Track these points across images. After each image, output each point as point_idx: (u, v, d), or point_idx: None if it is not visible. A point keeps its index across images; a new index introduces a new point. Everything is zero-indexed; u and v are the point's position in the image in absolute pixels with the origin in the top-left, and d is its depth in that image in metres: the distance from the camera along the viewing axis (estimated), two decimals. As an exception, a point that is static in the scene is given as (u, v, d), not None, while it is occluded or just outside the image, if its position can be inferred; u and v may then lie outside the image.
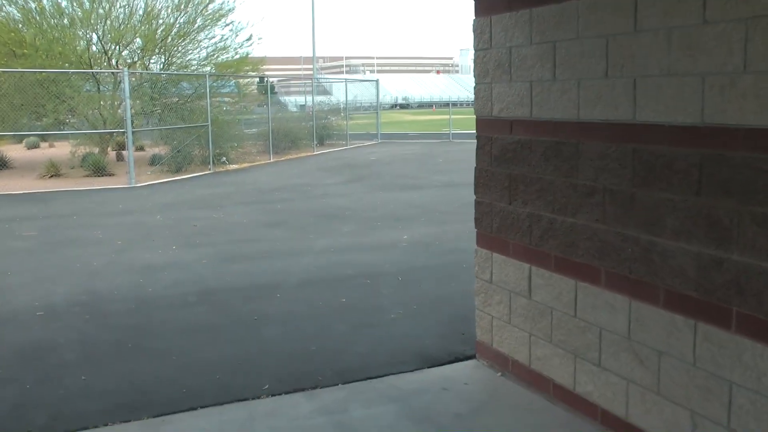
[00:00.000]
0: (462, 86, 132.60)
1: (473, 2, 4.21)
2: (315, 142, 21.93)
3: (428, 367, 4.48)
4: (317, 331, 5.16)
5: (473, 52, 4.26)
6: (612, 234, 3.38)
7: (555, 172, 3.73)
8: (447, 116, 32.13)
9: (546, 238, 3.84)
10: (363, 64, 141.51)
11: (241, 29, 20.34)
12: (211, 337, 5.10)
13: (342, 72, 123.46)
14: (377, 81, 28.32)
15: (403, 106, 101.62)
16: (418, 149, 23.27)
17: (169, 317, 5.58)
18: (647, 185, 3.17)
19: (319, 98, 29.42)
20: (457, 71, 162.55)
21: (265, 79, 23.00)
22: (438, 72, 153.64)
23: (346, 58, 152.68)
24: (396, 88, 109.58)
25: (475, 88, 4.29)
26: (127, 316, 5.63)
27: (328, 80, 50.42)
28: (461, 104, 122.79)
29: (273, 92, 24.80)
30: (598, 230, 3.47)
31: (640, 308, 3.27)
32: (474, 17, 4.23)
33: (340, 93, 31.04)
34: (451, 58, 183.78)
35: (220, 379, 4.30)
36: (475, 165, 4.37)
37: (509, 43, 3.96)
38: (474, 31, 4.24)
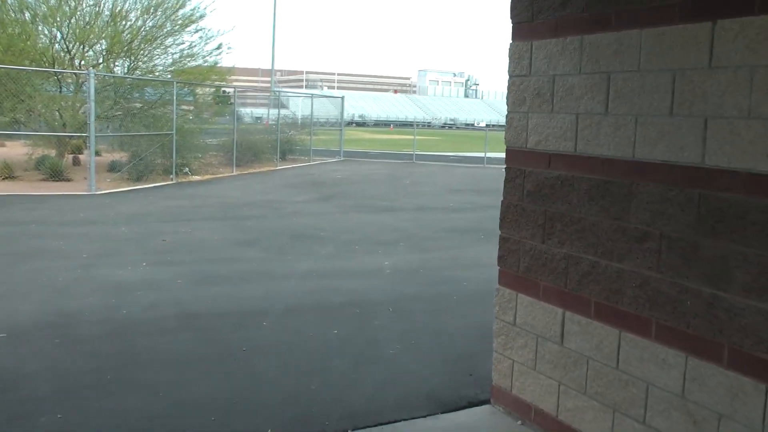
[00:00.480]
0: (419, 106, 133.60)
1: (511, 26, 3.95)
2: (278, 157, 21.48)
3: (441, 413, 4.16)
4: (315, 367, 4.80)
5: (508, 78, 3.99)
6: (667, 284, 3.12)
7: (601, 213, 3.46)
8: (406, 136, 32.02)
9: (586, 283, 3.57)
10: (321, 80, 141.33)
11: (212, 37, 19.80)
12: (199, 369, 4.68)
13: (301, 86, 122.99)
14: (342, 98, 28.06)
15: (359, 124, 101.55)
16: (382, 169, 23.02)
17: (150, 345, 5.13)
18: (715, 235, 2.92)
19: (281, 112, 28.96)
20: (414, 91, 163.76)
21: (233, 89, 22.44)
22: (395, 91, 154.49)
23: (307, 72, 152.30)
24: (353, 105, 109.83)
25: (507, 116, 4.02)
26: (104, 342, 5.16)
27: (295, 94, 49.95)
28: (419, 125, 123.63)
29: (229, 103, 24.31)
30: (650, 278, 3.21)
31: (698, 366, 3.01)
32: (511, 41, 3.97)
33: (297, 107, 30.67)
34: (408, 78, 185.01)
35: (216, 421, 3.90)
36: (502, 198, 4.08)
37: (553, 71, 3.70)
38: (511, 56, 3.97)
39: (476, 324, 5.77)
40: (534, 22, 3.80)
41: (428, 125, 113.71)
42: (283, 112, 30.30)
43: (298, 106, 28.53)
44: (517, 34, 3.93)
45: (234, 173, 18.62)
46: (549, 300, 3.82)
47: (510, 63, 3.97)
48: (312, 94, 28.70)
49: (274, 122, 26.91)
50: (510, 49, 3.98)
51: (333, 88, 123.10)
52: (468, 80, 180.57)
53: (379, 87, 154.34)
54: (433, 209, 13.84)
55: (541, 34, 3.77)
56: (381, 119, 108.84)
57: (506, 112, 4.03)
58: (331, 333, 5.55)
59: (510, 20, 3.97)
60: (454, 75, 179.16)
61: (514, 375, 4.07)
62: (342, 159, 26.39)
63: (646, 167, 3.22)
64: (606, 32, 3.40)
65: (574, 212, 3.61)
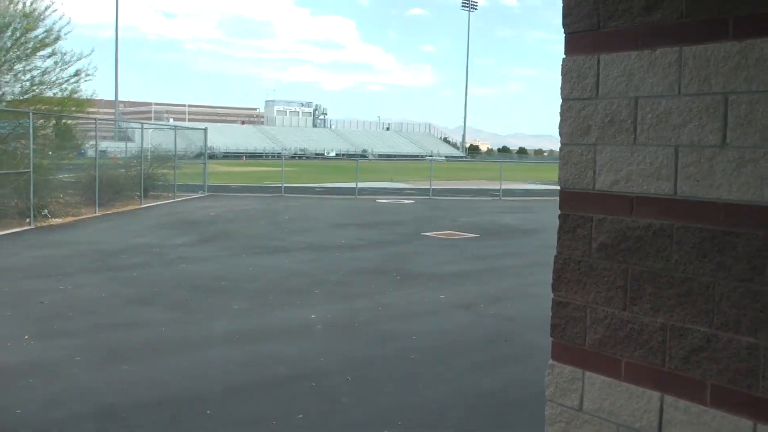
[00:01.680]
0: (268, 137, 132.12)
1: (564, 36, 3.15)
2: (142, 194, 19.65)
3: None
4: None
5: (561, 102, 3.18)
6: (832, 363, 2.40)
7: (719, 273, 2.71)
8: (262, 168, 31.15)
9: (697, 361, 2.79)
10: (167, 111, 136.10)
11: (69, 62, 17.65)
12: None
13: (149, 118, 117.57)
14: (206, 129, 26.51)
15: (209, 156, 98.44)
16: (255, 204, 21.77)
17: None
18: None
19: (130, 145, 26.96)
20: (262, 122, 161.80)
21: (95, 120, 20.35)
22: (243, 122, 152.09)
23: (155, 104, 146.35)
24: (201, 137, 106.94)
25: (562, 150, 3.20)
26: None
27: (157, 125, 47.04)
28: (268, 155, 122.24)
29: (71, 136, 22.14)
30: (803, 356, 2.48)
31: None
32: (566, 56, 3.16)
33: (153, 139, 28.82)
34: (255, 109, 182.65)
35: None
36: (557, 252, 3.24)
37: (635, 93, 2.93)
38: (566, 74, 3.17)
39: (459, 393, 4.91)
40: (602, 29, 3.02)
41: (278, 156, 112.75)
42: (135, 145, 28.25)
43: (148, 138, 26.53)
44: (574, 46, 3.14)
45: (97, 214, 16.70)
46: (637, 381, 3.01)
47: (565, 83, 3.17)
48: (175, 126, 26.92)
49: (122, 157, 24.94)
50: (564, 66, 3.17)
51: (183, 119, 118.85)
52: (316, 109, 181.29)
53: (227, 119, 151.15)
54: (327, 248, 12.92)
55: (613, 46, 3.00)
56: (230, 151, 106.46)
57: (561, 144, 3.21)
58: (295, 419, 4.48)
59: (563, 29, 3.17)
60: (302, 105, 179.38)
61: (578, 475, 3.21)
62: (207, 194, 24.80)
63: (793, 213, 2.50)
64: (721, 42, 2.67)
65: (675, 271, 2.83)
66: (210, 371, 5.33)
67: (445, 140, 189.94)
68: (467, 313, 8.01)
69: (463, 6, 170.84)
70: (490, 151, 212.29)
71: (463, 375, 3.64)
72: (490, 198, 30.66)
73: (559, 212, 3.24)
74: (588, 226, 3.13)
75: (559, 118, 3.23)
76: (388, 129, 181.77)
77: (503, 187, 31.27)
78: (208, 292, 8.21)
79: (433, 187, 30.81)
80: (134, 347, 5.86)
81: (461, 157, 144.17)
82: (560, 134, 3.21)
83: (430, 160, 55.12)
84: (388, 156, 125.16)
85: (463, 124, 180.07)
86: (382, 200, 26.10)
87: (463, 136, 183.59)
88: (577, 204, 3.19)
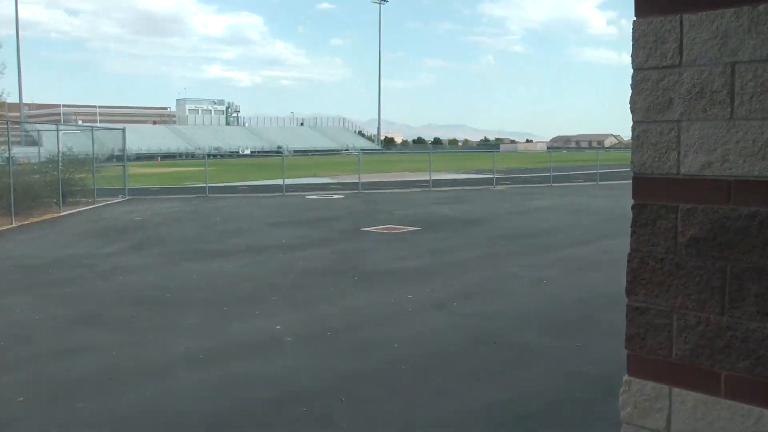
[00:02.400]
0: (180, 137, 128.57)
1: (634, -5, 2.67)
2: (61, 201, 18.33)
3: None
4: None
5: (632, 71, 2.70)
6: None
7: None
8: (178, 168, 30.06)
9: (822, 371, 2.36)
10: (76, 113, 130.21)
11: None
12: None
13: (58, 120, 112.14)
14: (123, 129, 25.14)
15: (120, 158, 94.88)
16: (181, 206, 20.74)
17: None
18: None
19: (32, 149, 25.36)
20: (174, 121, 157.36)
21: (6, 122, 18.82)
22: (155, 122, 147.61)
23: (64, 106, 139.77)
24: (113, 138, 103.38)
25: (636, 129, 2.73)
26: None
27: (75, 128, 44.49)
28: (181, 155, 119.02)
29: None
30: None
31: None
32: (637, 17, 2.68)
33: (59, 142, 27.20)
34: (167, 108, 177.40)
35: None
36: (631, 249, 2.77)
37: (731, 57, 2.47)
38: (638, 39, 2.69)
39: (471, 407, 4.42)
40: (685, -15, 2.55)
41: (192, 156, 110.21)
42: (46, 149, 26.56)
43: (60, 141, 24.98)
44: (650, 5, 2.65)
45: (14, 225, 15.39)
46: (742, 397, 2.56)
47: (637, 50, 2.69)
48: (92, 127, 25.40)
49: (35, 162, 23.38)
50: (636, 30, 2.69)
51: (94, 121, 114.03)
52: (228, 107, 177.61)
53: (138, 119, 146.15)
54: (269, 248, 12.26)
55: (701, 3, 2.53)
56: (143, 152, 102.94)
57: (633, 122, 2.73)
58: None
59: (632, -13, 2.69)
60: (214, 102, 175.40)
61: (663, 507, 2.76)
62: (128, 198, 23.53)
63: None
64: None
65: (792, 266, 2.40)
66: (180, 401, 4.61)
67: (360, 133, 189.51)
68: (442, 313, 7.53)
69: None
70: (405, 143, 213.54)
71: (466, 385, 3.22)
72: (419, 189, 30.37)
73: (632, 202, 2.76)
74: (672, 218, 2.66)
75: (630, 91, 2.75)
76: (302, 124, 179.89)
77: (430, 178, 31.09)
78: (154, 307, 7.41)
79: (361, 180, 30.32)
80: (85, 379, 5.04)
81: (378, 149, 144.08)
82: (632, 110, 2.72)
83: (358, 154, 54.39)
84: (304, 151, 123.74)
85: (377, 116, 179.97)
86: (312, 196, 25.41)
87: (378, 129, 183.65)
88: (657, 192, 2.71)
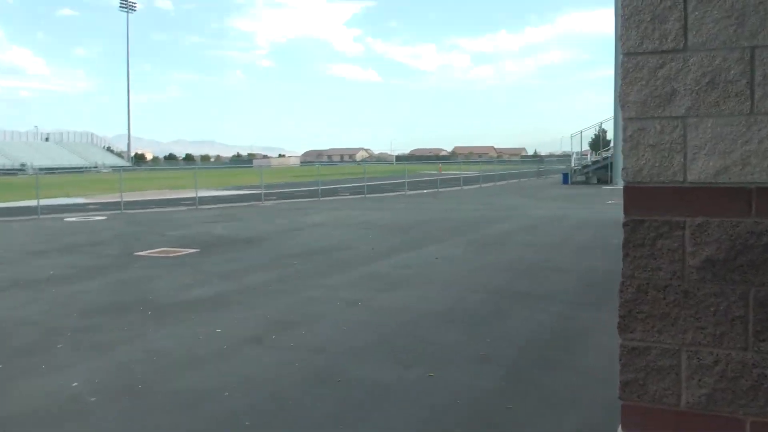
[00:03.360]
0: None
1: (623, -37, 2.18)
2: None
3: None
4: None
5: (622, 57, 2.21)
6: None
7: None
8: None
9: None
10: None
11: None
12: None
13: None
14: None
15: None
16: None
17: None
18: None
19: None
20: None
21: None
22: None
23: None
24: None
25: (627, 128, 2.23)
26: None
27: None
28: None
29: None
30: None
31: None
32: (629, -9, 2.19)
33: None
34: None
35: None
36: (623, 277, 2.26)
37: (750, 41, 2.06)
38: (630, 15, 2.21)
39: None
40: (690, -48, 2.09)
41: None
42: None
43: None
44: (644, -24, 2.15)
45: None
46: (771, 448, 2.14)
47: (628, 30, 2.18)
48: None
49: None
50: (629, 4, 2.18)
51: None
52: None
53: None
54: (38, 282, 10.57)
55: (711, -26, 2.08)
56: None
57: (624, 119, 2.21)
58: None
59: (621, -47, 2.18)
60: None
61: None
62: None
63: None
64: None
65: (832, 288, 2.02)
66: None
67: (109, 149, 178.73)
68: (263, 348, 6.65)
69: (121, 7, 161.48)
70: (156, 160, 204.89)
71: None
72: (185, 207, 28.62)
73: (623, 218, 2.25)
74: (678, 236, 2.18)
75: (619, 82, 2.23)
76: (47, 140, 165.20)
77: (197, 195, 29.50)
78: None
79: (123, 200, 27.86)
80: None
81: (129, 167, 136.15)
82: (623, 105, 2.21)
83: (111, 171, 50.35)
84: (51, 169, 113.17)
85: (125, 131, 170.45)
86: (72, 218, 22.76)
87: (128, 145, 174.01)
88: (657, 204, 2.21)
